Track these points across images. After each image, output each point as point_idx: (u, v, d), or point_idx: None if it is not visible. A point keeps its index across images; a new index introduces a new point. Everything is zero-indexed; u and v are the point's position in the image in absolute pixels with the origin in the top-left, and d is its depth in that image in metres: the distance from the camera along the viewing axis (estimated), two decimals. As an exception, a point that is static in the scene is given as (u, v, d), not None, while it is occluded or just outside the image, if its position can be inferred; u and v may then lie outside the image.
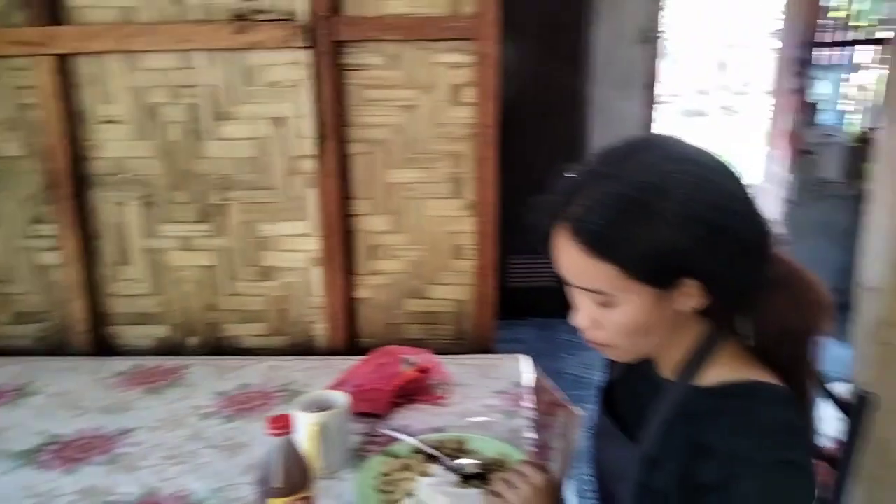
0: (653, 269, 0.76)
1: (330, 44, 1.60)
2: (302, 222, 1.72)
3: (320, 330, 1.77)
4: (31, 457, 1.24)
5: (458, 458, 1.15)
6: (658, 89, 3.89)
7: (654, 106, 3.90)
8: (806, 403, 0.84)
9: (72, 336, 1.76)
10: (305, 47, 1.60)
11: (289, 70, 1.64)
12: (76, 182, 1.68)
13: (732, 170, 0.80)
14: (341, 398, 1.20)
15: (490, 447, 1.20)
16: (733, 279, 0.78)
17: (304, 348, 1.78)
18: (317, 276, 1.74)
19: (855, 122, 4.14)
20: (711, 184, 0.77)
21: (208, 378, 1.55)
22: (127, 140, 1.68)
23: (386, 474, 1.11)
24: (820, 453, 1.03)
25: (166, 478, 1.16)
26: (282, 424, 0.92)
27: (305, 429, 1.10)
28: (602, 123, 3.78)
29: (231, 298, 1.77)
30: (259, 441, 1.25)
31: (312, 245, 1.72)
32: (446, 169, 1.68)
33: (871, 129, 4.07)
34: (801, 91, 3.98)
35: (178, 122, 1.67)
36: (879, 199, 1.62)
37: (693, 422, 0.81)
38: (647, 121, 3.95)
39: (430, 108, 1.65)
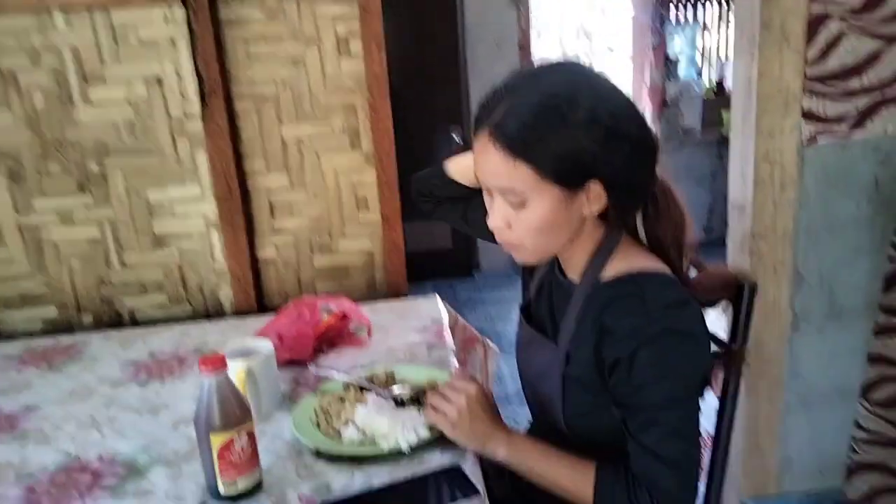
0: (562, 169, 0.85)
1: (207, -2, 1.53)
2: (194, 185, 1.65)
3: (226, 295, 1.72)
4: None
5: (390, 387, 1.17)
6: (532, 51, 4.03)
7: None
8: (691, 290, 0.95)
9: (-57, 325, 1.60)
10: (179, 2, 1.53)
11: (163, 27, 1.56)
12: (-70, 158, 1.52)
13: (621, 89, 0.90)
14: (266, 344, 1.18)
15: (419, 374, 1.22)
16: (630, 178, 0.88)
17: (210, 315, 1.72)
18: (216, 239, 1.68)
19: (709, 76, 4.52)
20: (611, 95, 0.88)
21: (111, 350, 1.47)
22: (-16, 109, 1.54)
23: (322, 409, 1.11)
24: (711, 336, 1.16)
25: (87, 444, 1.09)
26: (215, 363, 0.90)
27: (234, 376, 1.07)
28: (480, 85, 3.87)
29: (124, 271, 1.67)
30: (182, 401, 1.21)
31: (208, 208, 1.66)
32: (341, 121, 1.67)
33: (720, 80, 4.46)
34: (659, 48, 4.28)
35: (42, 88, 1.55)
36: (737, 126, 1.79)
37: (597, 311, 0.91)
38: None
39: (319, 61, 1.63)
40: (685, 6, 4.33)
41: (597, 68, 0.93)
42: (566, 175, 0.85)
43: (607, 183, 0.87)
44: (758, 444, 1.91)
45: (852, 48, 1.62)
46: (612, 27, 4.90)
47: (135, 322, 1.70)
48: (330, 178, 1.70)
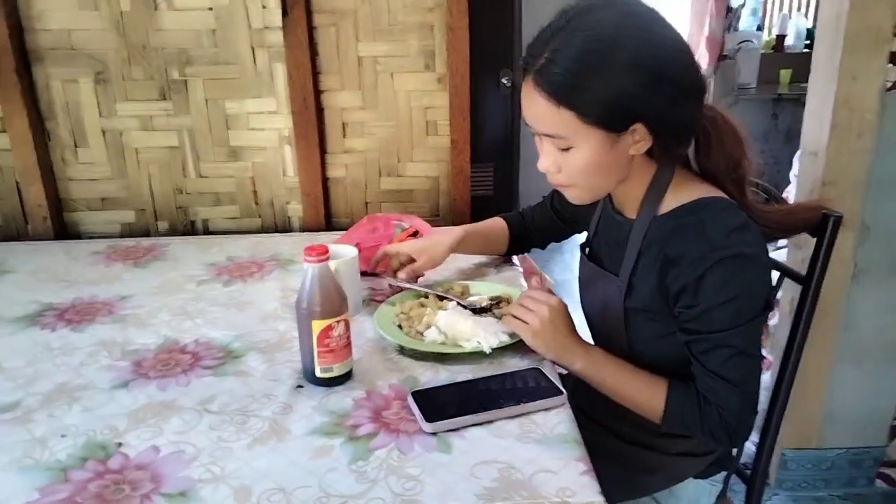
0: (605, 114, 0.86)
1: None
2: (270, 99, 1.67)
3: (295, 210, 1.76)
4: (33, 320, 1.20)
5: (468, 297, 1.21)
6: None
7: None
8: (752, 214, 0.95)
9: (31, 223, 1.66)
10: None
11: (248, -65, 1.56)
12: (19, 57, 1.55)
13: (673, 28, 0.89)
14: (350, 249, 1.21)
15: (493, 290, 1.26)
16: (675, 119, 0.88)
17: (279, 229, 1.77)
18: (289, 155, 1.71)
19: (770, 30, 4.36)
20: (655, 36, 0.86)
21: (192, 253, 1.52)
22: (72, 10, 1.56)
23: (404, 312, 1.15)
24: (778, 265, 1.16)
25: (182, 330, 1.15)
26: (319, 251, 0.93)
27: (322, 273, 1.11)
28: (533, 26, 3.79)
29: (199, 181, 1.72)
30: (265, 300, 1.26)
31: (282, 123, 1.69)
32: (417, 41, 1.67)
33: (781, 35, 4.31)
34: (720, -5, 4.12)
35: (128, -10, 1.57)
36: (819, 67, 1.75)
37: (659, 244, 0.93)
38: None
39: (399, -23, 1.62)
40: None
41: (649, 4, 0.90)
42: (610, 120, 0.86)
43: (652, 125, 0.87)
44: (805, 395, 1.93)
45: (952, -12, 1.56)
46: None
47: (207, 232, 1.75)
48: (402, 100, 1.71)
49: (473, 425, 0.87)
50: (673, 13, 4.47)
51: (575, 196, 0.98)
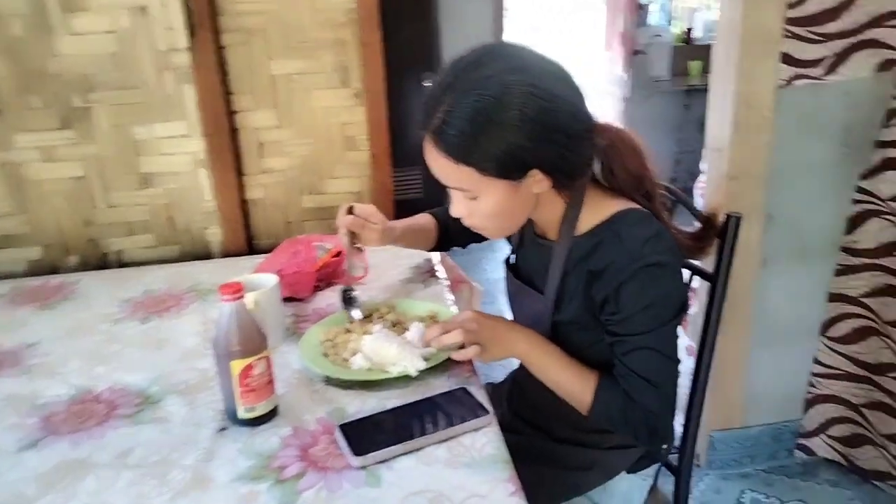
0: (501, 167, 0.90)
1: (191, -78, 1.48)
2: (181, 122, 1.62)
3: (214, 235, 1.71)
4: (-73, 379, 1.12)
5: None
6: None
7: (502, 12, 4.00)
8: (664, 221, 1.01)
9: (-77, 266, 1.56)
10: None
11: (146, -48, 1.50)
12: None
13: (563, 71, 0.92)
14: (270, 277, 1.19)
15: (421, 307, 1.26)
16: (567, 162, 0.93)
17: (198, 256, 1.72)
18: (205, 178, 1.66)
19: (679, 23, 4.53)
20: (542, 90, 0.88)
21: (104, 289, 1.46)
22: (-42, 38, 1.47)
23: (329, 340, 1.14)
24: (688, 265, 1.24)
25: (96, 377, 1.10)
26: (234, 289, 0.92)
27: (241, 307, 1.09)
28: (452, 29, 3.82)
29: (110, 211, 1.65)
30: (184, 337, 1.23)
31: (196, 146, 1.64)
32: (331, 57, 1.65)
33: (689, 29, 4.48)
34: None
35: (19, 15, 1.48)
36: (718, 69, 1.83)
37: (582, 261, 0.98)
38: (496, 28, 4.05)
39: (308, -6, 1.60)
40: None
41: (531, 47, 0.93)
42: (507, 171, 0.90)
43: (547, 170, 0.92)
44: (726, 379, 2.02)
45: (831, -9, 1.66)
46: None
47: (122, 264, 1.69)
48: (319, 117, 1.69)
49: (403, 454, 0.87)
50: (588, 11, 4.59)
51: (490, 235, 1.05)
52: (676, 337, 0.99)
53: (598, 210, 0.99)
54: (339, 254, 1.46)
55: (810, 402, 2.07)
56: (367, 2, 1.60)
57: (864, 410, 1.97)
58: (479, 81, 0.88)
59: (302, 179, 1.73)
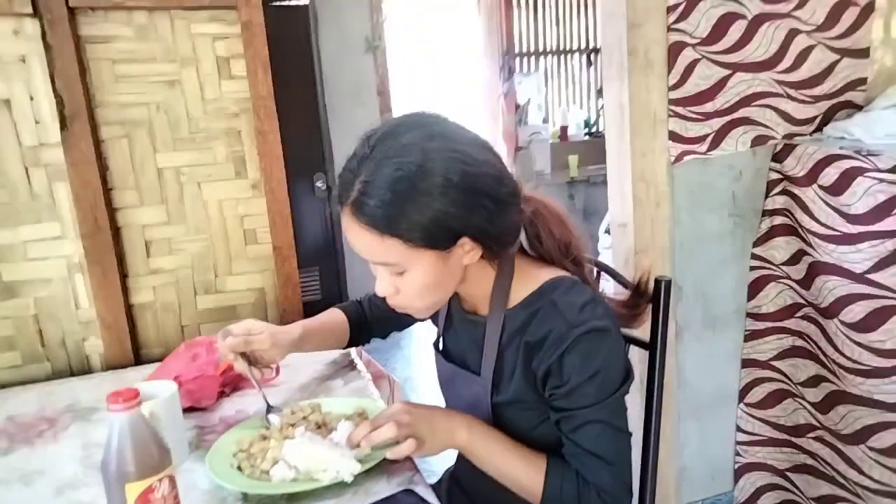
0: (429, 236, 0.85)
1: (65, 11, 1.38)
2: (53, 223, 1.44)
3: (94, 347, 1.49)
4: None
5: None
6: (391, 96, 4.09)
7: (389, 112, 4.09)
8: (594, 289, 0.99)
9: None
10: (30, 15, 1.36)
11: (11, 43, 1.37)
12: None
13: (481, 139, 0.91)
14: (165, 385, 1.02)
15: (345, 405, 1.12)
16: (496, 227, 0.90)
17: (75, 372, 1.48)
18: (81, 284, 1.47)
19: (554, 122, 4.83)
20: (463, 155, 0.86)
21: (-46, 422, 1.20)
22: None
23: (242, 450, 0.97)
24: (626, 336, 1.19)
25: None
26: (126, 396, 0.75)
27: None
28: (342, 132, 3.84)
29: (-36, 328, 1.40)
30: (61, 465, 1.01)
31: (70, 248, 1.45)
32: (224, 148, 1.55)
33: (564, 126, 4.79)
34: (510, 95, 4.52)
35: None
36: (612, 148, 1.90)
37: (518, 334, 0.93)
38: (384, 128, 4.13)
39: (197, 84, 1.51)
40: (528, 57, 4.64)
41: (446, 117, 0.91)
42: (434, 240, 0.86)
43: (476, 237, 0.88)
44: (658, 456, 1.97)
45: (704, 74, 1.79)
46: (466, 73, 5.09)
47: (-23, 388, 1.42)
48: (214, 210, 1.56)
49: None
50: (467, 113, 4.80)
51: (417, 313, 0.97)
52: (625, 409, 0.94)
53: (528, 279, 0.95)
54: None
55: (739, 472, 2.05)
56: (261, 91, 1.53)
57: (790, 475, 1.97)
58: (398, 150, 0.84)
59: (197, 278, 1.57)
